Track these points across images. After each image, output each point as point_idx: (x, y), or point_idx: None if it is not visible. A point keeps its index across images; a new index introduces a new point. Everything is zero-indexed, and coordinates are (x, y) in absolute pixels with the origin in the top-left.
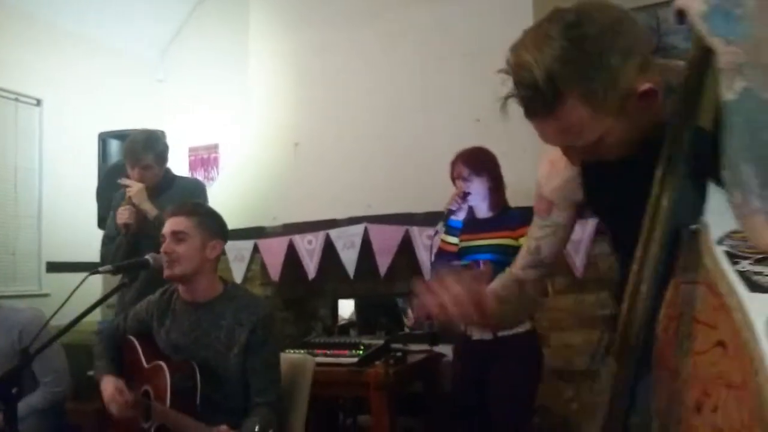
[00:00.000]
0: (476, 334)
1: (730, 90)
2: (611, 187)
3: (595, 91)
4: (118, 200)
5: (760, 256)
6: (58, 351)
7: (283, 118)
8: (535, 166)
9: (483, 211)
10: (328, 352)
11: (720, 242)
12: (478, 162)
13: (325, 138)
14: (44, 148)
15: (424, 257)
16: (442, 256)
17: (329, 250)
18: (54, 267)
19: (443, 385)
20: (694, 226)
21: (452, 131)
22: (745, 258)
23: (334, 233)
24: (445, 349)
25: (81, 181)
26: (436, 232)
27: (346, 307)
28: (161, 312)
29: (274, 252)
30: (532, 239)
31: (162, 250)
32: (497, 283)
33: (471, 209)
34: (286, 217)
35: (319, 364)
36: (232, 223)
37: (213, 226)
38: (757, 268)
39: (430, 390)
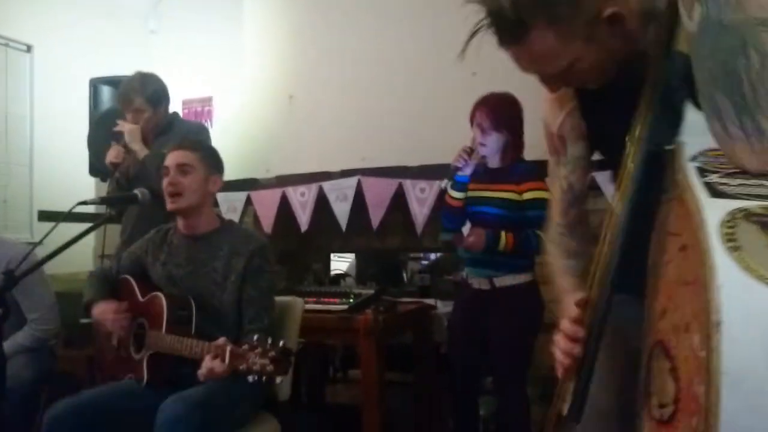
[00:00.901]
0: (475, 284)
1: (690, 19)
2: (601, 115)
3: (560, 16)
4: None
5: (731, 170)
6: (47, 289)
7: (277, 71)
8: (532, 120)
9: (495, 161)
10: (319, 299)
11: (693, 159)
12: (501, 116)
13: (320, 91)
14: (35, 95)
15: (417, 211)
16: (449, 211)
17: (322, 203)
18: (46, 216)
19: (433, 335)
20: (670, 146)
21: (448, 84)
22: (715, 172)
23: (327, 186)
24: (438, 304)
25: (72, 129)
26: (444, 189)
27: (339, 264)
28: (156, 247)
29: (266, 204)
30: (562, 179)
31: (167, 182)
32: (558, 260)
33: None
34: (279, 170)
35: (309, 311)
36: (225, 176)
37: (214, 161)
38: (724, 180)
39: (420, 341)
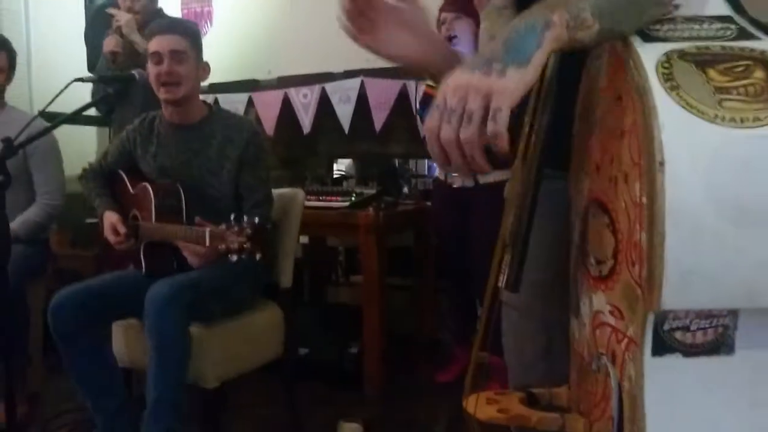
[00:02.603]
0: (457, 182)
1: None
2: None
3: None
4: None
5: (660, 18)
6: (59, 166)
7: None
8: None
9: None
10: (321, 197)
11: None
12: (462, 1)
13: None
14: None
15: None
16: (427, 101)
17: (325, 105)
18: (46, 116)
19: (431, 237)
20: None
21: None
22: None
23: (329, 87)
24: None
25: (69, 25)
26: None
27: (342, 169)
28: (144, 138)
29: (268, 105)
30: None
31: (164, 71)
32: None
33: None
34: (281, 71)
35: (311, 208)
36: (226, 77)
37: (200, 47)
38: (655, 27)
39: (419, 243)
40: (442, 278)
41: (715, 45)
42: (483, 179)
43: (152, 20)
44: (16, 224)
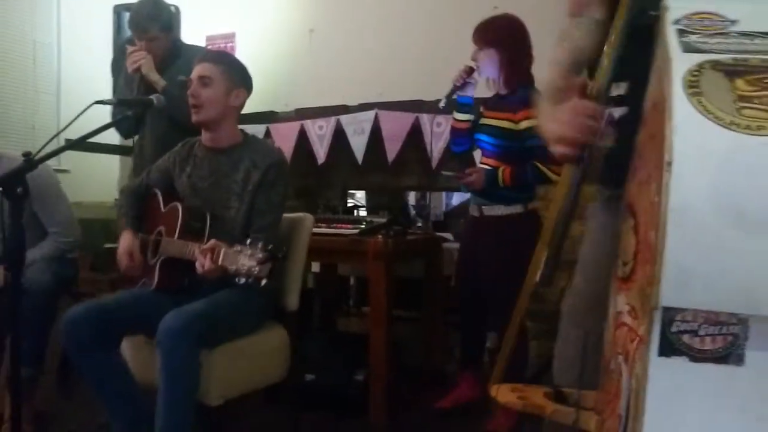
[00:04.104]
0: (472, 210)
1: None
2: None
3: None
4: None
5: (712, 32)
6: (64, 203)
7: (298, 5)
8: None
9: (501, 87)
10: (331, 225)
11: (676, 22)
12: (486, 34)
13: (340, 25)
14: (62, 23)
15: (433, 145)
16: (455, 133)
17: (340, 137)
18: (75, 142)
19: (443, 268)
20: (655, 12)
21: (468, 18)
22: (695, 33)
23: (344, 119)
24: (451, 238)
25: (98, 56)
26: (441, 103)
27: (356, 200)
28: (182, 159)
29: (285, 136)
30: (572, 40)
31: (189, 93)
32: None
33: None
34: (298, 103)
35: (321, 234)
36: (245, 108)
37: (238, 75)
38: (703, 39)
39: (430, 273)
40: (452, 310)
41: (756, 58)
42: (487, 212)
43: (174, 56)
44: (29, 254)
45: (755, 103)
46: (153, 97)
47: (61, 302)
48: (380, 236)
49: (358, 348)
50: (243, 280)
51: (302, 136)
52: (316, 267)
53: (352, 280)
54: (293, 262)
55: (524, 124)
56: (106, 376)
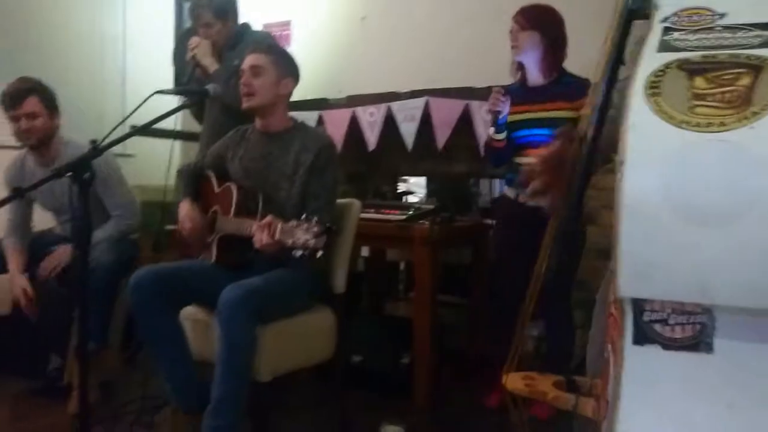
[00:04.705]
0: (510, 194)
1: None
2: None
3: None
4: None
5: (698, 27)
6: (126, 188)
7: None
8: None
9: (535, 77)
10: (380, 210)
11: (664, 20)
12: (531, 15)
13: (391, 12)
14: (127, 15)
15: (482, 133)
16: (494, 153)
17: (390, 124)
18: (143, 128)
19: (491, 254)
20: (647, 10)
21: (519, 5)
22: (680, 30)
23: (395, 106)
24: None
25: (160, 47)
26: (491, 132)
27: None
28: (235, 144)
29: (337, 123)
30: None
31: (241, 81)
32: None
33: (523, 75)
34: (350, 90)
35: (370, 220)
36: (298, 95)
37: (287, 65)
38: (685, 36)
39: (477, 260)
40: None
41: (725, 53)
42: (523, 199)
43: (235, 41)
44: (94, 235)
45: (708, 101)
46: (209, 87)
47: (125, 281)
48: (426, 222)
49: (404, 332)
50: (299, 253)
51: (353, 123)
52: (365, 251)
53: (402, 265)
54: (341, 246)
55: (582, 112)
56: (164, 338)
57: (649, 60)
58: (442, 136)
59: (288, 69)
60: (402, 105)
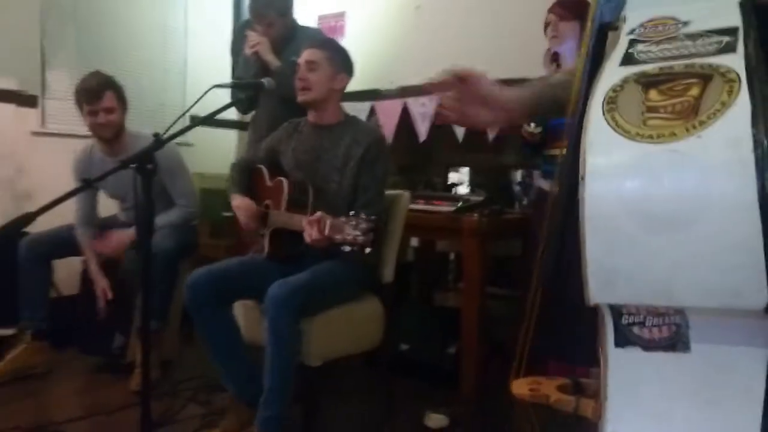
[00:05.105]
0: (541, 183)
1: None
2: None
3: None
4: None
5: (662, 38)
6: (189, 177)
7: None
8: None
9: (572, 65)
10: (429, 202)
11: (631, 32)
12: (571, 6)
13: (446, 1)
14: (188, 8)
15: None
16: (526, 145)
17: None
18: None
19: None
20: (615, 22)
21: None
22: (644, 42)
23: None
24: None
25: (220, 39)
26: (529, 128)
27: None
28: (288, 136)
29: (389, 114)
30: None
31: (299, 77)
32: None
33: (558, 66)
34: (402, 81)
35: (419, 211)
36: (351, 86)
37: (341, 60)
38: (648, 48)
39: (526, 252)
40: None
41: (680, 63)
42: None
43: (290, 36)
44: (158, 220)
45: (660, 113)
46: (264, 80)
47: (184, 265)
48: (476, 215)
49: (452, 322)
50: (348, 248)
51: (405, 114)
52: (415, 242)
53: (451, 256)
54: (390, 237)
55: None
56: (218, 334)
57: (609, 75)
58: (492, 128)
59: (343, 64)
60: None
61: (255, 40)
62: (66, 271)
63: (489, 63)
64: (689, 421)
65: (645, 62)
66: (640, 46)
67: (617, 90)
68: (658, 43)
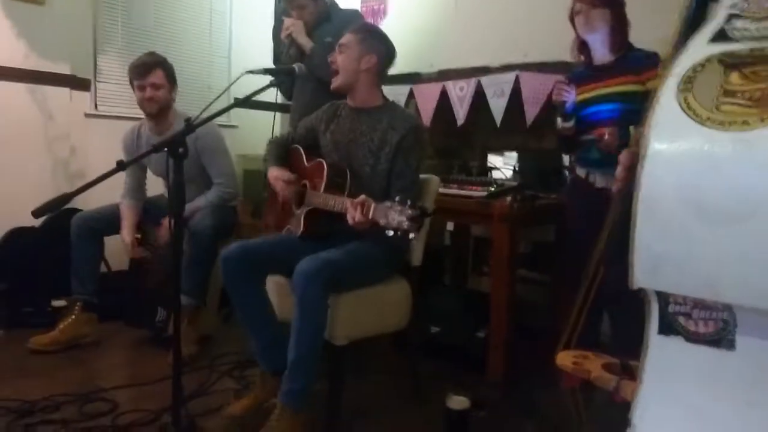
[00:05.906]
0: (599, 182)
1: None
2: None
3: None
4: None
5: (765, 15)
6: (228, 158)
7: None
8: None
9: (602, 54)
10: (462, 186)
11: (734, 5)
12: None
13: None
14: None
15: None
16: (564, 140)
17: (480, 98)
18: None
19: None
20: None
21: None
22: (744, 18)
23: (485, 80)
24: None
25: (263, 23)
26: (559, 124)
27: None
28: (328, 117)
29: (427, 97)
30: None
31: (330, 59)
32: None
33: (588, 55)
34: (441, 64)
35: (452, 195)
36: (392, 69)
37: (371, 41)
38: (746, 25)
39: (561, 237)
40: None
41: None
42: (599, 184)
43: (324, 18)
44: (197, 201)
45: (737, 98)
46: (295, 65)
47: (224, 245)
48: (507, 199)
49: (483, 306)
50: (392, 233)
51: (444, 97)
52: (450, 226)
53: (486, 240)
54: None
55: (653, 84)
56: (251, 305)
57: (693, 52)
58: (531, 112)
59: (374, 46)
60: (491, 80)
61: (288, 23)
62: (116, 248)
63: (526, 46)
64: (725, 422)
65: (737, 40)
66: (737, 22)
67: (698, 70)
68: (760, 20)
